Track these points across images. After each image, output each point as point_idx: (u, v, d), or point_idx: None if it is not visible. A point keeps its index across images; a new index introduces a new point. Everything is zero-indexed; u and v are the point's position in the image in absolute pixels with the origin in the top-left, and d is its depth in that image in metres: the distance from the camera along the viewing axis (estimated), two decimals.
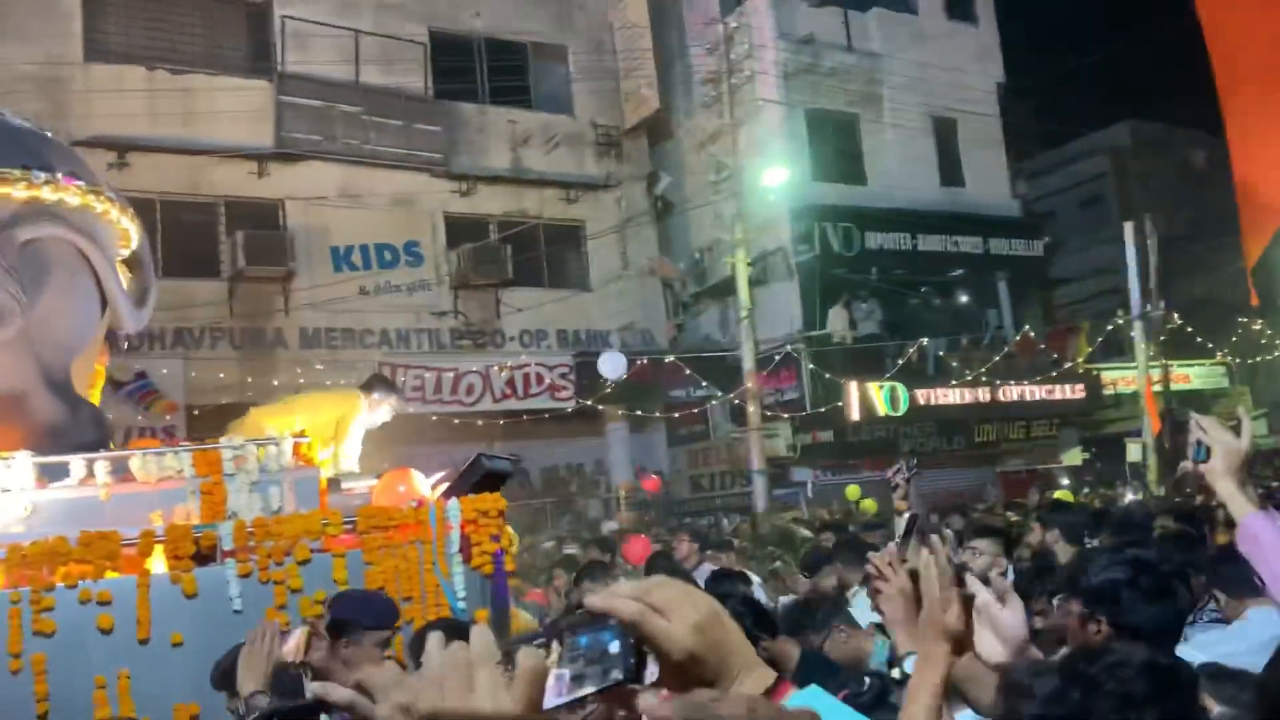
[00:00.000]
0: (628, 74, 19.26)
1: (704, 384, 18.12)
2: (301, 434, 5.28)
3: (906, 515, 1.62)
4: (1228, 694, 1.56)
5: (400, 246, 17.17)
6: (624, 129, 19.41)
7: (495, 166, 18.23)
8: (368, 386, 6.89)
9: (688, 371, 17.92)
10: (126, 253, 5.62)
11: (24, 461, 4.47)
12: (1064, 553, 5.47)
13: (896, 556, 1.89)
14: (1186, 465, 2.62)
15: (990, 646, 1.63)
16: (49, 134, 5.59)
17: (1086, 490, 15.81)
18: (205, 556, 4.42)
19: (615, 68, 19.32)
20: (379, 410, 6.70)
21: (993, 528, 5.61)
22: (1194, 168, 24.73)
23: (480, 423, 17.05)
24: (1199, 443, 2.56)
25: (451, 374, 16.62)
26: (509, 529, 4.91)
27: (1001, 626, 1.58)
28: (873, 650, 3.71)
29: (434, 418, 16.33)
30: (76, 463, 4.60)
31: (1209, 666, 1.62)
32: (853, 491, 15.80)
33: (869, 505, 15.12)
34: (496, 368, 16.95)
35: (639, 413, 18.32)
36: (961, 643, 1.58)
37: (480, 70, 18.44)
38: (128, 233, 5.56)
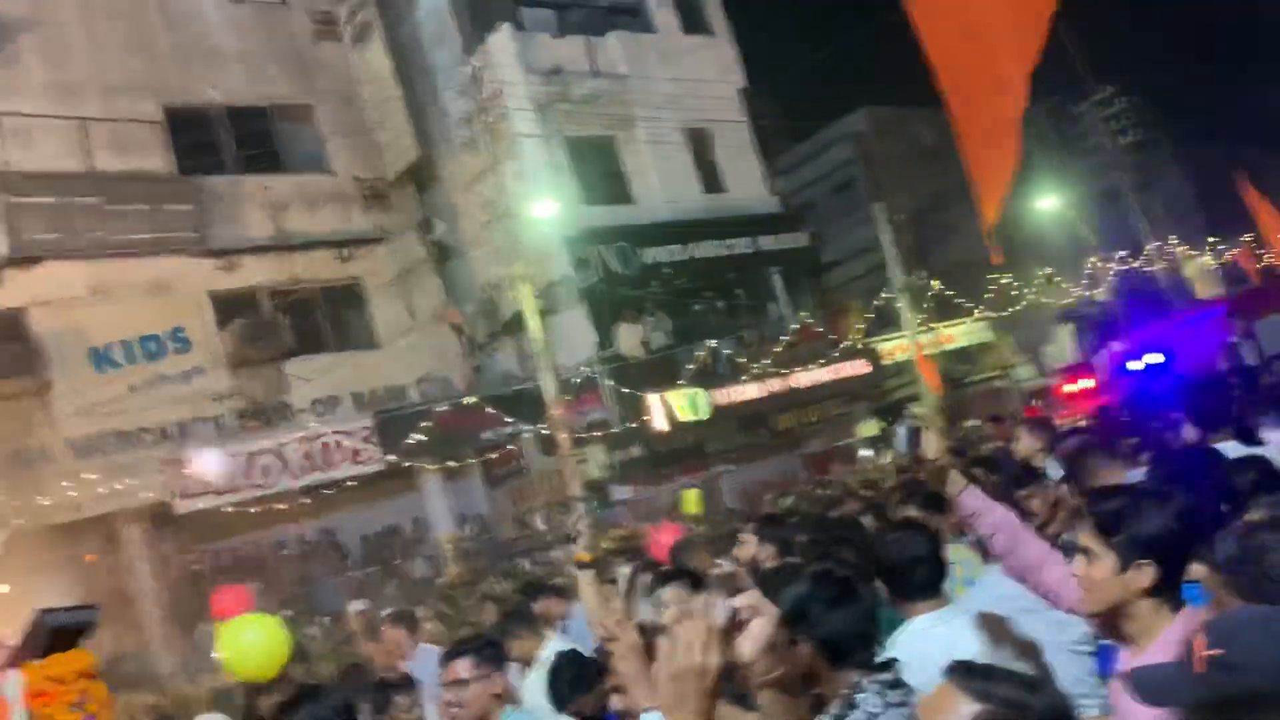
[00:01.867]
0: (381, 124, 18.97)
1: (511, 421, 18.01)
2: None
3: (628, 569, 1.59)
4: (979, 689, 1.53)
5: (165, 335, 16.21)
6: (388, 179, 19.09)
7: (256, 236, 17.52)
8: None
9: (491, 411, 17.76)
10: None
11: None
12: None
13: (623, 616, 1.88)
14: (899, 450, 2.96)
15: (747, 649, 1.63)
16: None
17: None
18: None
19: (366, 120, 18.99)
20: None
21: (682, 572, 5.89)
22: (928, 143, 26.59)
23: (283, 506, 16.35)
24: (910, 430, 2.87)
25: (243, 458, 15.79)
26: (100, 688, 4.18)
27: (756, 631, 1.58)
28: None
29: (229, 509, 15.54)
30: None
31: (955, 664, 1.61)
32: (690, 496, 15.70)
33: (690, 505, 15.34)
34: (292, 443, 16.24)
35: (452, 463, 18.02)
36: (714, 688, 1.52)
37: (225, 141, 17.71)
38: None
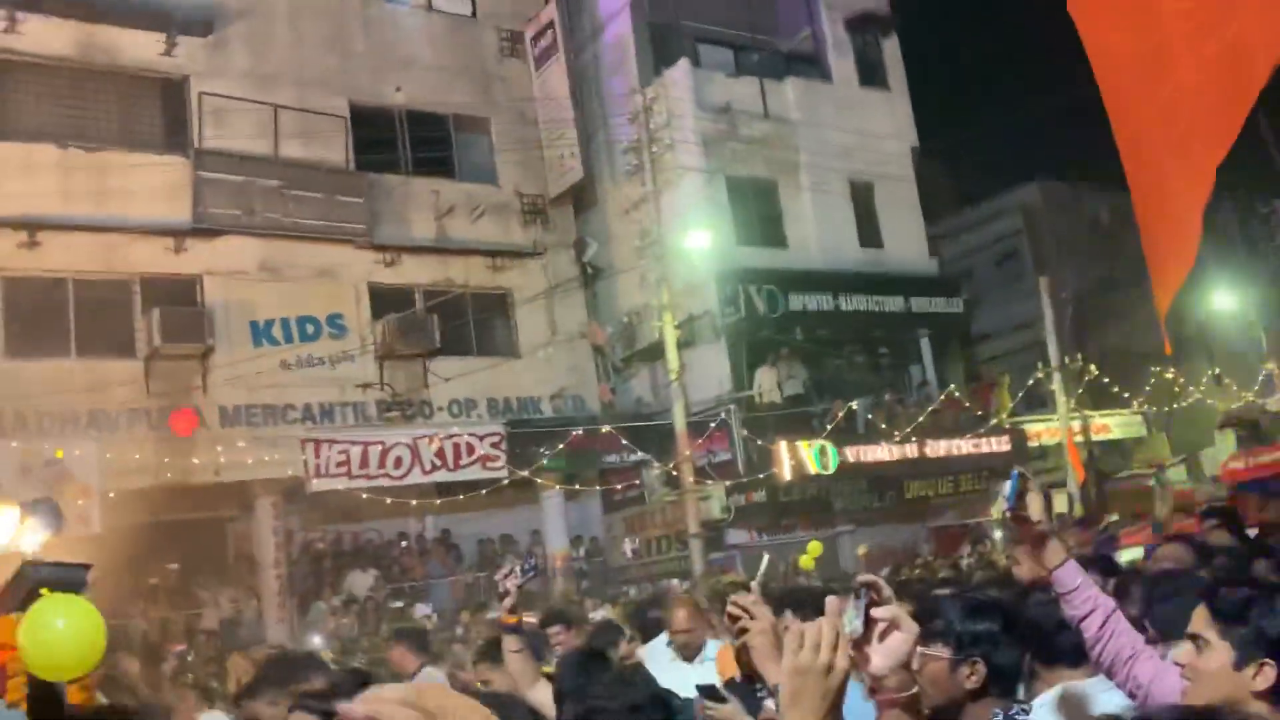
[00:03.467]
0: (551, 143, 19.43)
1: (637, 448, 18.07)
2: None
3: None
4: None
5: (323, 319, 16.93)
6: (549, 197, 19.52)
7: (419, 237, 18.16)
8: None
9: (622, 439, 17.85)
10: None
11: None
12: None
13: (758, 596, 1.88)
14: (1001, 507, 2.75)
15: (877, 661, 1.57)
16: None
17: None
18: None
19: (538, 137, 19.48)
20: None
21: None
22: (1102, 223, 25.58)
23: (414, 501, 16.82)
24: (1014, 491, 2.69)
25: (379, 447, 16.30)
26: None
27: (892, 645, 1.51)
28: None
29: (363, 495, 16.05)
30: None
31: None
32: (814, 549, 15.40)
33: (808, 562, 15.04)
34: (426, 439, 16.69)
35: (575, 484, 18.19)
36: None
37: (402, 142, 18.46)
38: None
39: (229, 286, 16.17)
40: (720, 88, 19.83)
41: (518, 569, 4.79)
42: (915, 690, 1.63)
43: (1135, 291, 18.21)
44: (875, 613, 1.47)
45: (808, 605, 4.04)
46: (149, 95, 16.77)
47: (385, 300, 17.59)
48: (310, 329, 16.80)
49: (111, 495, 14.24)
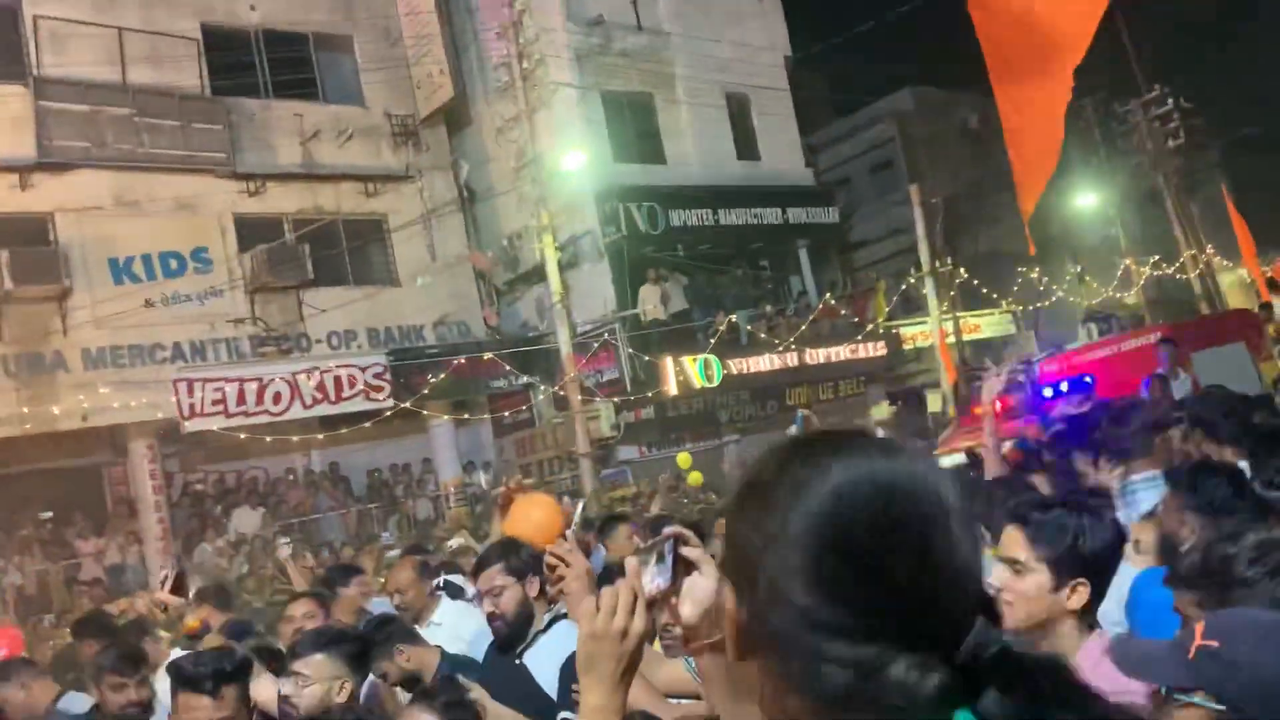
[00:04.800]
0: (418, 61, 18.79)
1: (523, 372, 18.01)
2: None
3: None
4: None
5: (187, 253, 16.21)
6: (420, 118, 18.94)
7: (285, 163, 17.44)
8: None
9: (508, 364, 17.75)
10: None
11: None
12: None
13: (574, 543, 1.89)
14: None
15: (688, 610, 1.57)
16: None
17: None
18: None
19: (405, 56, 18.81)
20: None
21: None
22: (971, 129, 26.18)
23: (295, 438, 16.44)
24: (800, 423, 2.74)
25: (255, 384, 15.84)
26: None
27: (698, 590, 1.51)
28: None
29: (242, 435, 15.62)
30: None
31: None
32: (684, 459, 16.00)
33: (696, 477, 15.42)
34: (304, 374, 16.28)
35: (462, 412, 18.05)
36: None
37: (261, 64, 17.58)
38: None
39: (83, 223, 15.30)
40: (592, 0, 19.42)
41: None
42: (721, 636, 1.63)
43: (1003, 195, 18.79)
44: (684, 552, 1.46)
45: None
46: None
47: (252, 231, 16.91)
48: (174, 264, 16.08)
49: None
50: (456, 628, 4.67)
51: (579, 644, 1.48)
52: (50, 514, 15.35)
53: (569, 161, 17.20)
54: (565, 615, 3.52)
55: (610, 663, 1.45)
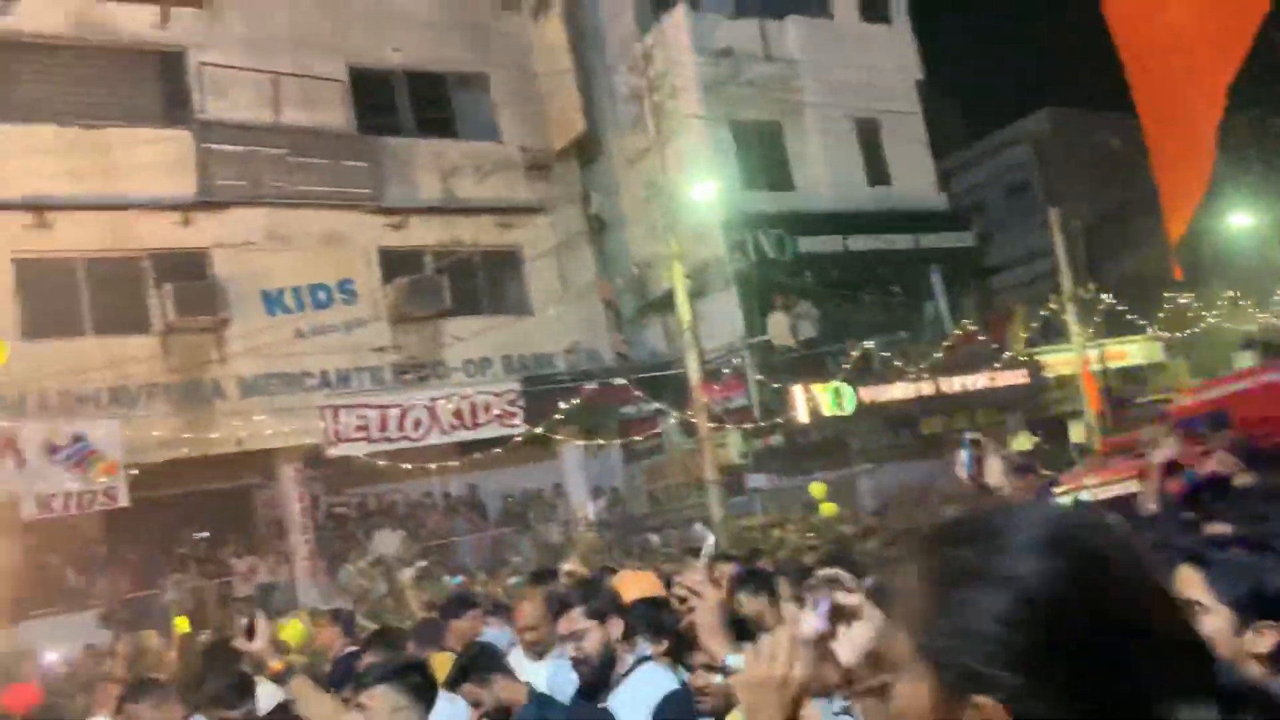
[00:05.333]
0: (551, 97, 19.27)
1: (652, 399, 18.14)
2: None
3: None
4: None
5: (334, 285, 16.96)
6: (552, 151, 19.40)
7: (426, 198, 18.11)
8: None
9: (636, 391, 17.92)
10: None
11: None
12: None
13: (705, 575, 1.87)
14: (961, 475, 2.66)
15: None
16: None
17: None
18: None
19: (539, 92, 19.32)
20: None
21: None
22: (1113, 150, 25.26)
23: (434, 466, 16.97)
24: (970, 459, 2.61)
25: (396, 410, 16.42)
26: None
27: (857, 635, 1.49)
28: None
29: (381, 462, 16.21)
30: None
31: None
32: (817, 489, 15.79)
33: (830, 508, 15.23)
34: (443, 400, 16.79)
35: (594, 439, 18.32)
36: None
37: (403, 104, 18.35)
38: None
39: (239, 258, 16.19)
40: (720, 30, 19.57)
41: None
42: (887, 679, 1.61)
43: (1149, 218, 18.07)
44: (840, 599, 1.45)
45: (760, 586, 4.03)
46: (148, 69, 16.67)
47: (395, 263, 17.60)
48: (322, 296, 16.85)
49: (135, 471, 14.42)
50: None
51: (741, 693, 1.46)
52: (205, 534, 16.19)
53: (698, 192, 17.32)
54: (649, 658, 3.48)
55: (773, 712, 1.42)
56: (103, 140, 15.44)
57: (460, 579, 14.20)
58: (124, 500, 14.29)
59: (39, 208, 14.84)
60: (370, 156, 17.48)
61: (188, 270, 15.93)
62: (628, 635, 3.50)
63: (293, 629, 9.68)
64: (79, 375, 14.56)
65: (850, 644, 1.44)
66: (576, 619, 3.55)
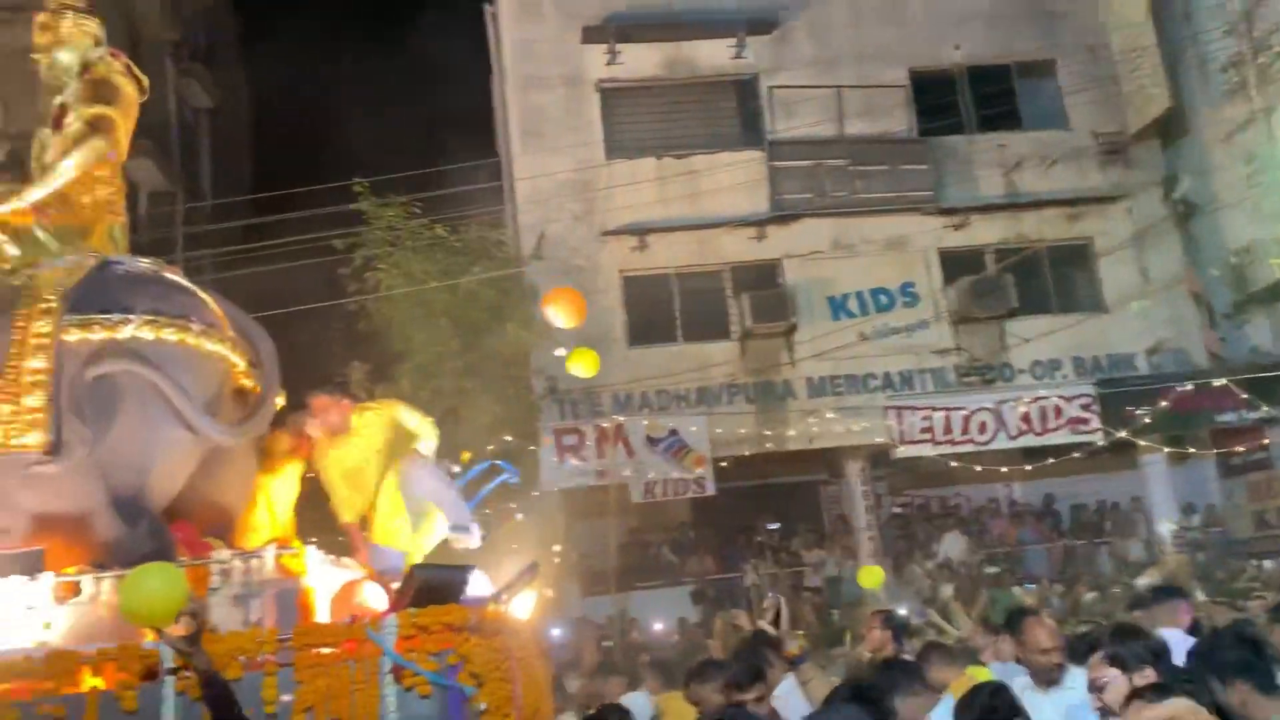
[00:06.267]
0: (1128, 75, 17.74)
1: (1258, 403, 15.91)
2: (286, 544, 5.10)
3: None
4: None
5: (895, 289, 17.22)
6: (1130, 134, 17.87)
7: (988, 195, 17.69)
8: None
9: (1235, 391, 15.85)
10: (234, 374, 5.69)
11: (46, 579, 4.69)
12: None
13: None
14: None
15: None
16: (166, 274, 5.74)
17: None
18: (153, 673, 4.24)
19: (1112, 72, 17.90)
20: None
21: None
22: None
23: (1004, 469, 16.56)
24: None
25: (961, 413, 16.24)
26: (471, 643, 4.35)
27: None
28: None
29: (953, 464, 16.19)
30: (87, 581, 4.72)
31: None
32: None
33: None
34: (1010, 403, 16.27)
35: (1185, 447, 16.56)
36: None
37: (963, 100, 18.12)
38: (228, 361, 5.60)
39: (806, 266, 17.11)
40: None
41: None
42: None
43: None
44: None
45: None
46: (726, 98, 18.29)
47: (956, 264, 17.41)
48: (884, 299, 17.20)
49: (724, 464, 15.94)
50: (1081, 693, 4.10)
51: None
52: (777, 524, 17.36)
53: None
54: None
55: None
56: (689, 167, 17.23)
57: (1032, 587, 13.69)
58: (711, 489, 15.86)
59: (640, 232, 16.97)
60: (929, 158, 17.50)
61: (761, 280, 17.18)
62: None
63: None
64: (671, 377, 16.41)
65: None
66: (1100, 665, 3.31)
